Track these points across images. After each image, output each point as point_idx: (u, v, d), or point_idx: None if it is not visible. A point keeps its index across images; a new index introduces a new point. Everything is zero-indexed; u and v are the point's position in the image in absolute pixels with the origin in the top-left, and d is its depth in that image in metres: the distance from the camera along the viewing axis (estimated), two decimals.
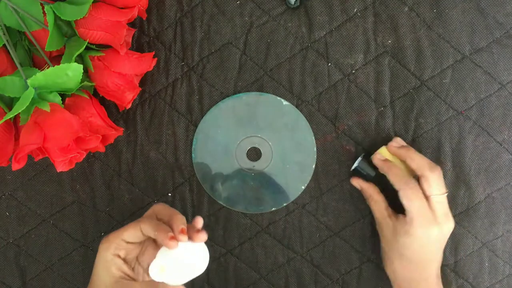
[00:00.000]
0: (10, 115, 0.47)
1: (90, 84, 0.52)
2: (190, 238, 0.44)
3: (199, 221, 0.46)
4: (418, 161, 0.53)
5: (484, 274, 0.61)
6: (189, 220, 0.61)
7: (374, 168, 0.57)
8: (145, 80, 0.58)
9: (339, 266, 0.61)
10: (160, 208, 0.48)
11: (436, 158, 0.58)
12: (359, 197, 0.59)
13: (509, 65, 0.56)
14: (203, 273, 0.63)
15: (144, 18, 0.56)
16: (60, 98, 0.50)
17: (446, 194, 0.53)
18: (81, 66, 0.47)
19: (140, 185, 0.60)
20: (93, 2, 0.49)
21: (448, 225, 0.53)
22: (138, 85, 0.55)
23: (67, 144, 0.47)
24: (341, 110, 0.58)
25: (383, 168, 0.55)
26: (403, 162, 0.55)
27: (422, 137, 0.58)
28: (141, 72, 0.54)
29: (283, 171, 0.59)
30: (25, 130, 0.48)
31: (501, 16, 0.55)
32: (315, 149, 0.58)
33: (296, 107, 0.58)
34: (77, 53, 0.49)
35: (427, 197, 0.52)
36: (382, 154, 0.55)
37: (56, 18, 0.50)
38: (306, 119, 0.58)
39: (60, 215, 0.62)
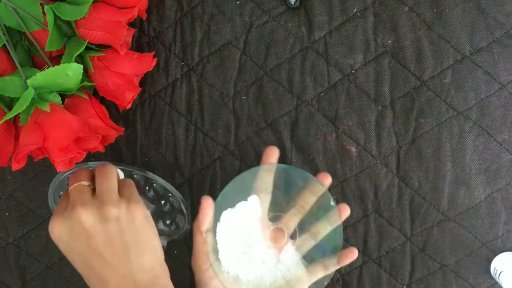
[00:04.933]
0: (10, 115, 0.47)
1: (90, 84, 0.52)
2: None
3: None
4: None
5: (484, 274, 0.61)
6: (189, 221, 0.61)
7: None
8: (145, 80, 0.58)
9: None
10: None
11: (436, 158, 0.58)
12: (360, 197, 0.59)
13: (509, 65, 0.56)
14: None
15: (144, 18, 0.56)
16: (60, 98, 0.50)
17: None
18: (81, 66, 0.47)
19: None
20: (93, 2, 0.49)
21: None
22: (138, 85, 0.55)
23: (67, 144, 0.47)
24: (341, 110, 0.58)
25: None
26: None
27: (422, 137, 0.58)
28: (141, 72, 0.54)
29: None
30: (25, 130, 0.48)
31: (502, 16, 0.55)
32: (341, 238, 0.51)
33: (296, 107, 0.58)
34: (77, 53, 0.49)
35: None
36: None
37: (56, 18, 0.50)
38: (306, 119, 0.58)
39: None
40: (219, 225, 0.48)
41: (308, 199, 0.52)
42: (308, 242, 0.52)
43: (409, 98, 0.57)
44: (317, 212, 0.51)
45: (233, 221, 0.49)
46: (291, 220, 0.52)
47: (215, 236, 0.48)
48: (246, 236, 0.49)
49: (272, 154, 0.52)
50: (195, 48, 0.57)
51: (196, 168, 0.60)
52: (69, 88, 0.49)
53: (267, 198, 0.51)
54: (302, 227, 0.52)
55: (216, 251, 0.48)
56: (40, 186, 0.61)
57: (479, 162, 0.58)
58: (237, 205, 0.49)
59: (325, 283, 0.50)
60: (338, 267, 0.51)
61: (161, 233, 0.60)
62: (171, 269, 0.62)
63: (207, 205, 0.48)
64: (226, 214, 0.49)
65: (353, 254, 0.51)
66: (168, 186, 0.59)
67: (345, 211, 0.53)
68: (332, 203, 0.50)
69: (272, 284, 0.48)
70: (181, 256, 0.62)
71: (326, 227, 0.51)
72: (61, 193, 0.60)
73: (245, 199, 0.50)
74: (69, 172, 0.59)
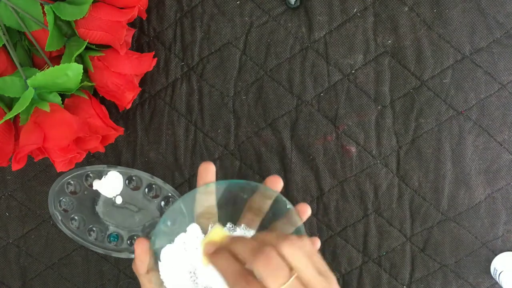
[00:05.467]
0: (10, 115, 0.48)
1: (90, 84, 0.52)
2: None
3: None
4: (240, 248, 0.39)
5: (484, 274, 0.61)
6: None
7: None
8: (145, 80, 0.58)
9: (340, 266, 0.61)
10: None
11: (436, 158, 0.58)
12: (360, 197, 0.59)
13: (509, 65, 0.56)
14: None
15: (144, 18, 0.56)
16: (60, 98, 0.50)
17: (293, 276, 0.36)
18: (81, 66, 0.47)
19: None
20: (93, 2, 0.49)
21: None
22: (138, 85, 0.55)
23: (67, 144, 0.47)
24: (341, 110, 0.58)
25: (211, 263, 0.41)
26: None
27: (422, 137, 0.58)
28: (141, 72, 0.54)
29: None
30: (25, 130, 0.48)
31: (501, 16, 0.55)
32: None
33: (296, 107, 0.58)
34: (77, 53, 0.49)
35: None
36: (213, 240, 0.41)
37: (56, 18, 0.50)
38: (306, 119, 0.58)
39: None
40: (160, 264, 0.44)
41: (263, 203, 0.46)
42: None
43: (409, 98, 0.57)
44: (274, 218, 0.46)
45: (174, 257, 0.44)
46: (250, 226, 0.45)
47: (159, 274, 0.44)
48: (192, 267, 0.44)
49: (207, 173, 0.44)
50: (195, 48, 0.57)
51: (196, 168, 0.60)
52: (69, 88, 0.49)
53: (213, 220, 0.45)
54: (261, 231, 0.46)
55: (164, 287, 0.45)
56: (40, 186, 0.61)
57: (479, 162, 0.58)
58: (176, 239, 0.44)
59: None
60: (294, 228, 0.47)
61: None
62: None
63: (141, 249, 0.43)
64: (165, 251, 0.44)
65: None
66: (168, 186, 0.59)
67: (305, 212, 0.46)
68: (288, 206, 0.45)
69: None
70: None
71: (288, 228, 0.45)
72: (62, 198, 0.60)
73: (184, 230, 0.44)
74: (68, 176, 0.59)
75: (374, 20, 0.56)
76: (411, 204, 0.59)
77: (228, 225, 0.45)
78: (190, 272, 0.44)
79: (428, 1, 0.55)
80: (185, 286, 0.44)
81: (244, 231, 0.44)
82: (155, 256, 0.44)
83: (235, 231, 0.45)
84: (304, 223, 0.60)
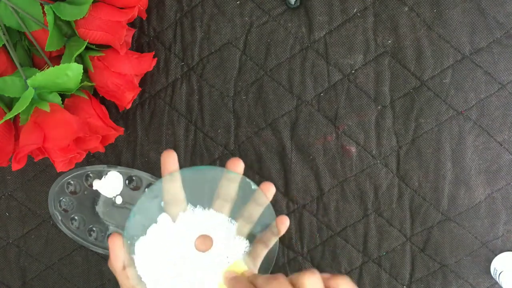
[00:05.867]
0: (10, 115, 0.48)
1: (90, 84, 0.52)
2: None
3: None
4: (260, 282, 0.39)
5: (484, 274, 0.61)
6: None
7: None
8: (145, 80, 0.58)
9: (339, 266, 0.61)
10: None
11: (436, 158, 0.58)
12: (360, 197, 0.59)
13: (509, 65, 0.56)
14: None
15: (144, 18, 0.56)
16: (60, 98, 0.50)
17: None
18: (81, 66, 0.47)
19: None
20: (93, 2, 0.49)
21: None
22: (138, 85, 0.55)
23: (67, 144, 0.47)
24: (341, 110, 0.58)
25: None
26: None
27: (422, 137, 0.58)
28: (141, 72, 0.54)
29: None
30: (25, 130, 0.48)
31: (501, 16, 0.55)
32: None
33: (296, 107, 0.58)
34: (77, 53, 0.49)
35: None
36: (234, 270, 0.43)
37: (56, 18, 0.50)
38: (306, 119, 0.58)
39: None
40: (135, 257, 0.44)
41: (229, 187, 0.46)
42: (244, 227, 0.47)
43: (409, 98, 0.57)
44: (244, 201, 0.47)
45: (148, 249, 0.44)
46: (221, 212, 0.46)
47: (136, 269, 0.44)
48: (168, 256, 0.45)
49: (169, 162, 0.44)
50: (195, 48, 0.57)
51: None
52: (69, 88, 0.49)
53: (183, 208, 0.46)
54: (233, 215, 0.47)
55: (142, 282, 0.46)
56: (40, 186, 0.61)
57: (479, 162, 0.58)
58: (147, 231, 0.44)
59: (274, 257, 0.48)
60: (277, 238, 0.47)
61: None
62: None
63: (115, 245, 0.44)
64: (139, 244, 0.44)
65: (286, 220, 0.47)
66: None
67: (269, 190, 0.46)
68: (253, 187, 0.46)
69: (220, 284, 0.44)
70: None
71: (257, 209, 0.46)
72: (62, 198, 0.60)
73: (155, 221, 0.44)
74: (68, 176, 0.59)
75: (374, 20, 0.56)
76: (411, 204, 0.59)
77: (198, 208, 0.45)
78: (167, 263, 0.44)
79: (428, 1, 0.55)
80: (162, 278, 0.44)
81: (215, 214, 0.45)
82: (130, 251, 0.44)
83: (206, 213, 0.46)
84: (304, 222, 0.60)
